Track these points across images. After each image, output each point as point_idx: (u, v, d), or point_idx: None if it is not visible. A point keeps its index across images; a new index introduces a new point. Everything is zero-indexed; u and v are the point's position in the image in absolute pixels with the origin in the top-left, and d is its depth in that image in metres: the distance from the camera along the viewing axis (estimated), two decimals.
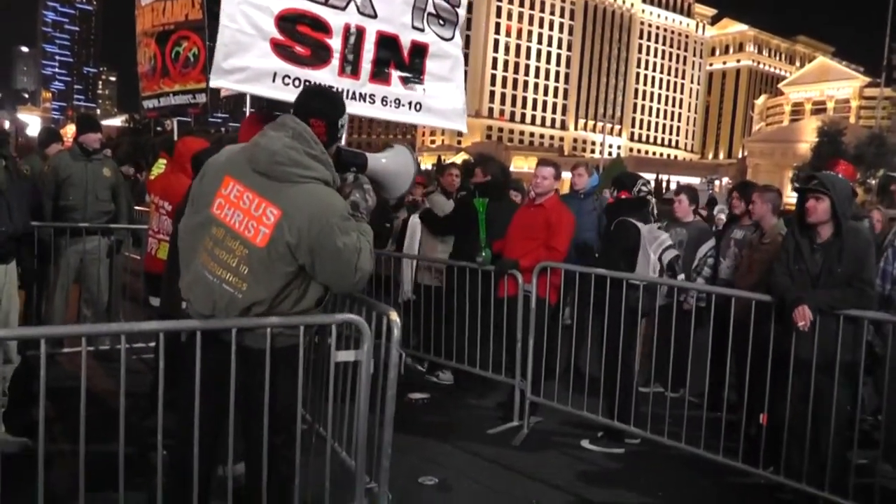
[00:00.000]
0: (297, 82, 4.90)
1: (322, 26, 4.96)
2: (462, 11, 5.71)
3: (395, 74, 5.33)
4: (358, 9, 5.09)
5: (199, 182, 3.45)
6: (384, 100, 5.30)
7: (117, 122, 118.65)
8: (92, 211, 7.42)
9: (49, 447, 2.93)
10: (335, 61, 5.02)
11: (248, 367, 3.36)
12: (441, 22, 5.51)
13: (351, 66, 5.08)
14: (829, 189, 4.81)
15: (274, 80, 4.80)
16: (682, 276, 6.65)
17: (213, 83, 4.80)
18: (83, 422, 3.02)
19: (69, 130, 15.49)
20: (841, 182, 5.06)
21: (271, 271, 3.22)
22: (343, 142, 5.14)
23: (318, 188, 3.24)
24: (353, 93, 5.13)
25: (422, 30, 5.44)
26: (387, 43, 5.24)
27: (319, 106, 3.48)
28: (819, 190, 4.84)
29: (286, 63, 4.82)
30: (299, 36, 4.88)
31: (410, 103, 5.44)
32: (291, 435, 3.57)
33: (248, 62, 4.68)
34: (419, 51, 5.43)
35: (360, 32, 5.09)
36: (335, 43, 5.00)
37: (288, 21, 4.82)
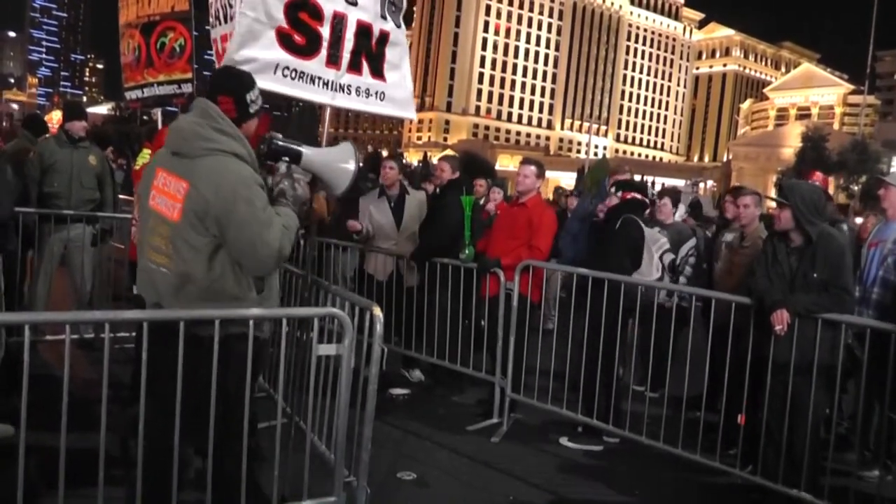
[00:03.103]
0: (293, 74, 4.83)
1: (317, 13, 4.89)
2: None
3: (366, 64, 5.27)
4: None
5: (142, 181, 3.58)
6: (357, 90, 5.24)
7: (103, 109, 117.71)
8: (76, 198, 7.38)
9: (30, 435, 2.93)
10: (323, 51, 4.95)
11: (200, 355, 3.34)
12: (394, 8, 5.47)
13: (334, 56, 5.03)
14: (788, 198, 4.91)
15: (275, 72, 4.74)
16: (683, 280, 6.74)
17: None
18: (65, 410, 3.01)
19: (55, 116, 15.43)
20: (804, 189, 5.12)
21: (188, 243, 3.29)
22: (324, 136, 5.14)
23: (224, 159, 3.33)
24: (335, 84, 5.08)
25: (385, 18, 5.38)
26: (363, 32, 5.18)
27: (225, 83, 3.62)
28: (778, 199, 4.95)
29: (285, 53, 4.75)
30: (299, 24, 4.81)
31: (377, 93, 5.38)
32: (233, 430, 3.52)
33: (256, 53, 4.61)
34: (383, 39, 5.37)
35: (343, 20, 5.03)
36: (325, 31, 4.93)
37: (293, 8, 4.76)
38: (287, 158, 3.68)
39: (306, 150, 3.76)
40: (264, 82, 4.74)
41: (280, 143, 3.70)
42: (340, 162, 3.91)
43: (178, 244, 3.30)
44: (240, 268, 3.39)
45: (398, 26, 5.52)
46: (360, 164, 4.04)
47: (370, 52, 5.28)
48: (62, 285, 7.70)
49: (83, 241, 7.43)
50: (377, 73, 5.36)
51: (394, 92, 5.52)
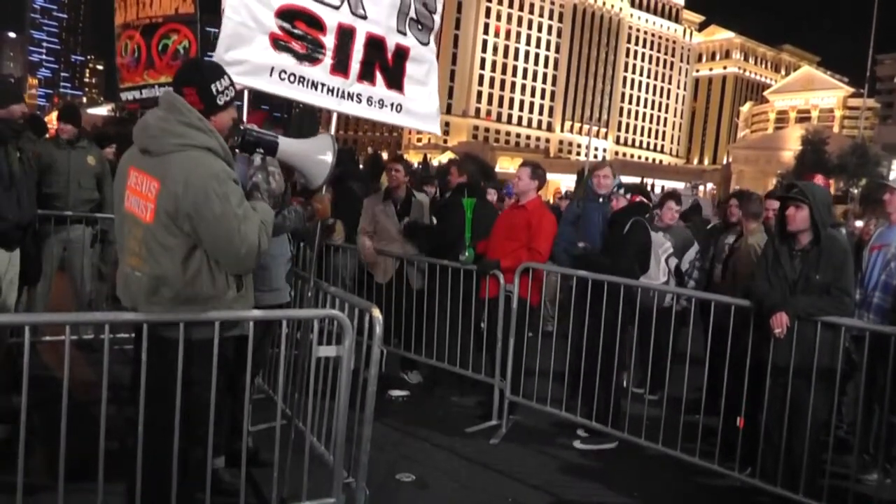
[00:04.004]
0: (292, 78, 4.91)
1: (317, 24, 4.98)
2: (437, 18, 5.78)
3: (380, 76, 5.37)
4: (350, 9, 5.12)
5: (116, 182, 3.48)
6: (370, 100, 5.34)
7: (103, 111, 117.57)
8: (75, 199, 7.37)
9: (30, 436, 2.94)
10: (328, 59, 5.04)
11: (166, 359, 3.28)
12: (420, 27, 5.58)
13: (342, 65, 5.12)
14: (808, 198, 4.88)
15: (271, 75, 4.81)
16: (692, 285, 6.75)
17: None
18: (65, 410, 3.02)
19: (54, 117, 15.43)
20: (820, 191, 5.14)
21: (162, 245, 3.21)
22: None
23: (194, 154, 3.22)
24: (343, 91, 5.16)
25: (404, 34, 5.50)
26: (374, 44, 5.29)
27: (188, 74, 3.51)
28: (798, 198, 4.91)
29: (283, 58, 4.84)
30: (296, 32, 4.89)
31: (392, 104, 5.49)
32: (196, 436, 3.42)
33: (247, 55, 4.69)
34: (401, 54, 5.49)
35: (352, 32, 5.13)
36: (329, 41, 5.03)
37: (286, 16, 4.83)
38: (261, 150, 3.61)
39: (282, 141, 3.69)
40: (260, 83, 4.82)
41: (254, 134, 3.64)
42: (318, 153, 3.86)
43: (152, 245, 3.22)
44: (217, 266, 3.30)
45: (424, 43, 5.62)
46: (336, 157, 3.93)
47: (385, 64, 5.37)
48: (61, 286, 7.69)
49: (83, 242, 7.43)
50: (394, 85, 5.46)
51: (413, 105, 5.63)
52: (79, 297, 7.54)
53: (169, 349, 3.26)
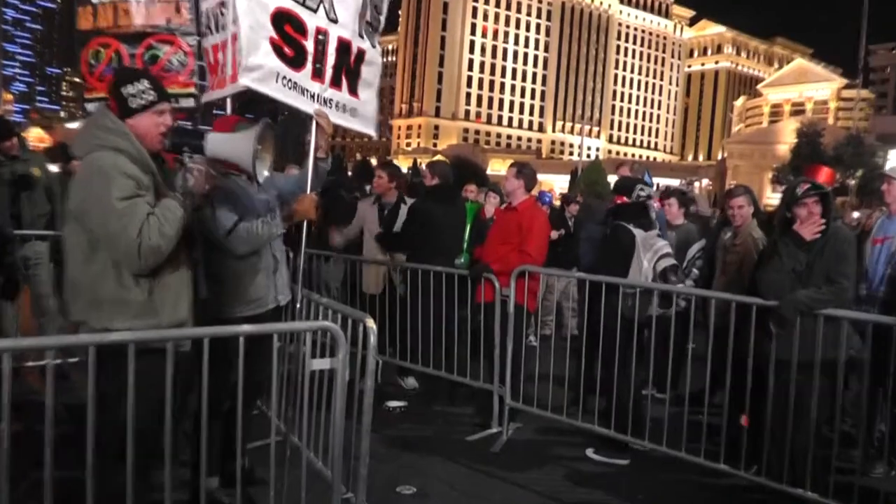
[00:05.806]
0: (289, 84, 4.89)
1: (301, 28, 4.95)
2: (383, 19, 5.75)
3: (345, 80, 5.34)
4: (326, 13, 5.09)
5: None
6: (337, 105, 5.31)
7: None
8: (29, 216, 7.03)
9: (13, 461, 2.85)
10: (309, 65, 5.01)
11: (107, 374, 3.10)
12: (371, 29, 5.55)
13: (319, 70, 5.09)
14: (826, 191, 4.91)
15: (276, 81, 4.81)
16: (690, 283, 6.65)
17: (241, 81, 4.75)
18: (49, 435, 2.93)
19: (32, 133, 15.20)
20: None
21: (70, 243, 3.35)
22: (312, 145, 5.10)
23: (100, 153, 3.32)
24: (319, 97, 5.13)
25: (362, 37, 5.47)
26: (343, 49, 5.26)
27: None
28: (824, 190, 4.92)
29: (280, 63, 4.81)
30: (286, 36, 4.86)
31: (350, 108, 5.46)
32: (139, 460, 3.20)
33: (260, 60, 4.69)
34: (361, 57, 5.46)
35: (326, 36, 5.09)
36: (309, 46, 5.00)
37: (279, 20, 4.80)
38: (187, 149, 3.60)
39: (211, 139, 3.69)
40: (268, 89, 4.80)
41: (181, 132, 3.65)
42: (241, 141, 3.80)
43: (66, 246, 3.36)
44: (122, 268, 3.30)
45: (374, 46, 5.60)
46: (260, 142, 3.83)
47: (349, 68, 5.34)
48: (25, 303, 7.32)
49: (41, 257, 7.09)
50: (353, 89, 5.43)
51: (363, 108, 5.58)
52: (42, 311, 7.23)
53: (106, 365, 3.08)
